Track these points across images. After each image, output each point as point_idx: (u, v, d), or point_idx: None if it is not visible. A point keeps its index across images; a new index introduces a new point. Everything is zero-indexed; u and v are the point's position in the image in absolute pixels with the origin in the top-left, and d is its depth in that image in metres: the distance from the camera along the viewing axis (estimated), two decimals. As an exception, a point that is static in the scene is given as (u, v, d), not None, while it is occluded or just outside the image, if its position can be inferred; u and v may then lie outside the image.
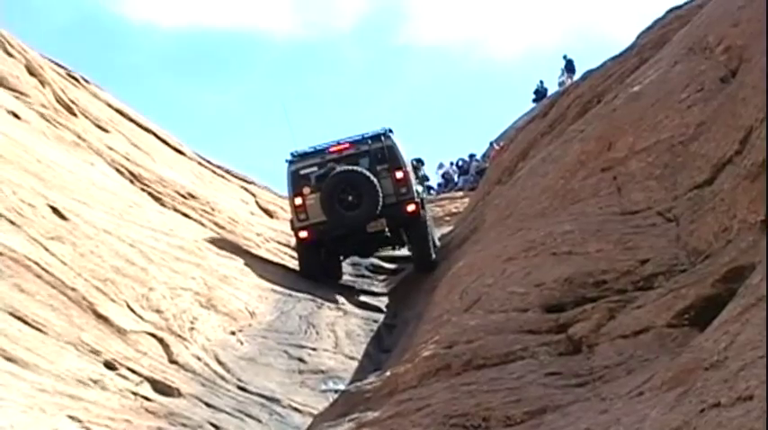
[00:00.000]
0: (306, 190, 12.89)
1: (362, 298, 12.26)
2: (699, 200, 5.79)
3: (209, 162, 18.19)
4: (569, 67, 26.42)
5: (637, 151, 7.07)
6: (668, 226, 5.98)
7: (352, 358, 9.23)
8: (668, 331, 4.79)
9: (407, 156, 13.61)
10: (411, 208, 12.87)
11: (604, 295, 5.60)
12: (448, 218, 22.11)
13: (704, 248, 5.29)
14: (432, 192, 26.61)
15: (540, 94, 27.79)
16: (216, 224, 13.40)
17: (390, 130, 13.31)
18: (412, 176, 13.41)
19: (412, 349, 6.71)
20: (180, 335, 8.13)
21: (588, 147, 8.03)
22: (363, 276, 14.55)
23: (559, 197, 7.76)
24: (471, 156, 27.33)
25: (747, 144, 5.34)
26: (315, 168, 12.98)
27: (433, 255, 13.22)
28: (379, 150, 12.99)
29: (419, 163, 20.51)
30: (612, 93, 9.44)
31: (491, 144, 26.12)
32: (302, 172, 12.99)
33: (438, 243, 14.44)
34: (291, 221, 13.30)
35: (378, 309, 11.66)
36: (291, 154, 13.21)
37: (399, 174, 12.93)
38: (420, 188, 14.26)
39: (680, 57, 7.86)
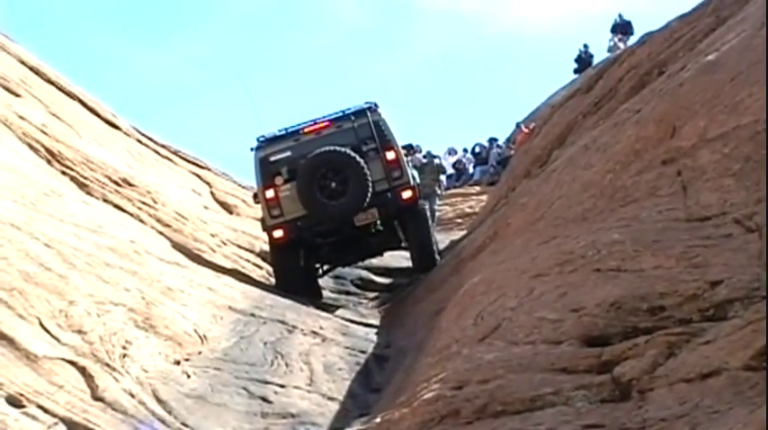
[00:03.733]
0: (278, 180, 13.34)
1: (346, 320, 12.25)
2: (789, 204, 5.76)
3: (150, 140, 18.20)
4: (624, 28, 26.47)
5: (709, 139, 7.05)
6: (748, 237, 5.95)
7: (331, 398, 9.21)
8: (745, 375, 4.76)
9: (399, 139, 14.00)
10: (407, 194, 13.44)
11: (662, 325, 5.58)
12: (460, 220, 22.18)
13: (794, 268, 5.26)
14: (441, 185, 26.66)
15: (583, 62, 27.90)
16: (158, 220, 13.39)
17: (376, 104, 13.70)
18: (405, 158, 13.83)
19: (410, 389, 6.69)
20: (108, 364, 8.09)
21: (645, 132, 8.03)
22: (349, 293, 14.59)
23: (606, 197, 7.75)
24: (492, 140, 27.41)
25: None
26: (288, 153, 13.41)
27: (437, 256, 13.57)
28: (365, 127, 13.41)
29: (410, 149, 20.79)
30: (679, 62, 9.45)
31: (518, 126, 26.22)
32: (273, 158, 13.42)
33: (439, 248, 14.70)
34: (262, 220, 13.71)
35: (366, 336, 11.64)
36: (258, 139, 13.59)
37: (391, 155, 13.43)
38: (415, 173, 14.80)
39: (768, 17, 7.85)
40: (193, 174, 18.09)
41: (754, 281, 5.48)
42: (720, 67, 7.81)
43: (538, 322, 6.26)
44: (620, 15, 27.20)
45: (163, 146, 18.41)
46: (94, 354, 8.10)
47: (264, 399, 8.77)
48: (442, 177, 25.09)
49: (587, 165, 8.77)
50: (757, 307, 5.25)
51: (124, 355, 8.39)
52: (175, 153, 18.56)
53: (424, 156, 21.67)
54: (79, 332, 8.26)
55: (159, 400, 8.07)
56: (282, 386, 9.16)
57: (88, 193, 12.67)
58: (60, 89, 16.32)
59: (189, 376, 8.75)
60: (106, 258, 10.07)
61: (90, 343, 8.22)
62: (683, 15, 11.81)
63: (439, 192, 21.30)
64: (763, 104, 6.77)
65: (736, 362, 4.86)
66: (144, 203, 13.56)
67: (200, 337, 9.62)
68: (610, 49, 25.74)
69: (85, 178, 12.99)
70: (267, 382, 9.15)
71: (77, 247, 9.83)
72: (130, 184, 13.79)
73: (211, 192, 17.57)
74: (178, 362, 8.92)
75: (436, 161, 22.52)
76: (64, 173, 12.77)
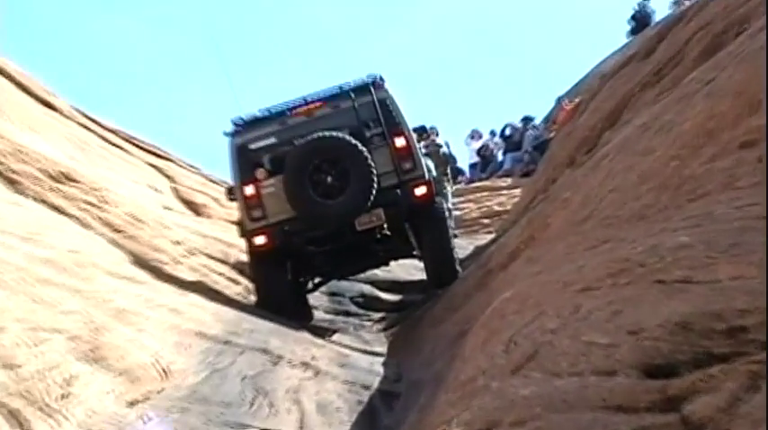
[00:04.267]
0: (260, 173, 13.24)
1: (345, 348, 12.26)
2: None
3: (98, 124, 18.24)
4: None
5: (799, 115, 7.05)
6: None
7: (326, 447, 9.24)
8: None
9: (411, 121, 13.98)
10: (421, 191, 13.35)
11: (743, 351, 5.56)
12: (486, 220, 22.22)
13: None
14: (460, 178, 26.72)
15: (640, 21, 27.92)
16: (108, 225, 13.40)
17: (382, 78, 13.56)
18: (418, 145, 13.78)
19: (425, 434, 6.71)
20: (45, 406, 8.10)
21: (720, 107, 8.02)
22: (348, 313, 14.61)
23: (670, 190, 7.75)
24: (526, 120, 27.38)
25: None
26: (272, 140, 13.33)
27: (459, 268, 13.53)
28: (369, 107, 13.33)
29: (423, 133, 20.89)
30: (760, 19, 9.43)
31: (558, 101, 26.25)
32: (253, 146, 13.33)
33: (460, 256, 14.69)
34: (240, 223, 13.64)
35: (370, 367, 11.66)
36: (234, 121, 13.47)
37: (401, 142, 13.35)
38: (431, 164, 14.71)
39: None
40: (151, 165, 18.14)
41: None
42: (813, 24, 7.81)
43: (585, 348, 6.26)
44: (685, -37, 27.31)
45: (113, 131, 18.45)
46: (28, 394, 8.10)
47: (243, 448, 8.80)
48: (465, 167, 25.18)
49: (646, 151, 8.77)
50: None
51: (66, 395, 8.39)
52: (128, 140, 18.62)
53: (426, 146, 21.76)
54: (9, 367, 8.27)
55: (110, 451, 8.10)
56: (265, 431, 9.19)
57: (19, 192, 12.69)
58: (-17, 61, 16.40)
59: (147, 421, 8.76)
60: (42, 273, 10.07)
61: (23, 380, 8.22)
62: (764, -40, 11.82)
63: (449, 188, 21.30)
64: None
65: (837, 395, 4.86)
66: (89, 204, 13.58)
67: (161, 371, 9.62)
68: (674, 4, 25.78)
69: (15, 173, 13.01)
70: (246, 427, 9.16)
71: (6, 260, 9.84)
72: (72, 180, 13.81)
73: (174, 189, 17.62)
74: (134, 403, 8.93)
75: (442, 150, 22.44)
76: (-12, 166, 12.82)
